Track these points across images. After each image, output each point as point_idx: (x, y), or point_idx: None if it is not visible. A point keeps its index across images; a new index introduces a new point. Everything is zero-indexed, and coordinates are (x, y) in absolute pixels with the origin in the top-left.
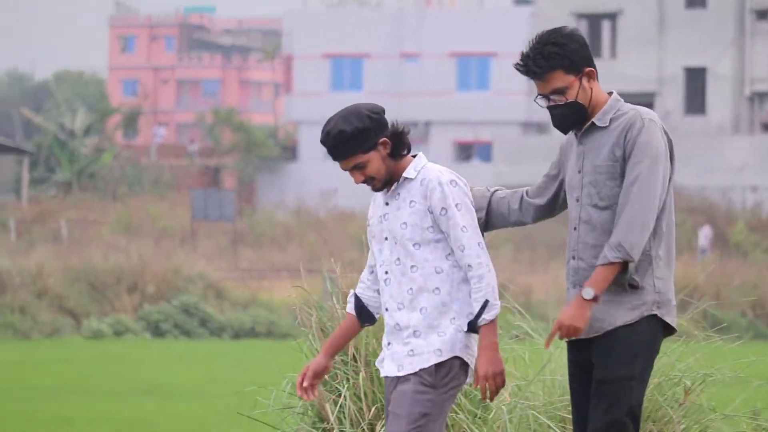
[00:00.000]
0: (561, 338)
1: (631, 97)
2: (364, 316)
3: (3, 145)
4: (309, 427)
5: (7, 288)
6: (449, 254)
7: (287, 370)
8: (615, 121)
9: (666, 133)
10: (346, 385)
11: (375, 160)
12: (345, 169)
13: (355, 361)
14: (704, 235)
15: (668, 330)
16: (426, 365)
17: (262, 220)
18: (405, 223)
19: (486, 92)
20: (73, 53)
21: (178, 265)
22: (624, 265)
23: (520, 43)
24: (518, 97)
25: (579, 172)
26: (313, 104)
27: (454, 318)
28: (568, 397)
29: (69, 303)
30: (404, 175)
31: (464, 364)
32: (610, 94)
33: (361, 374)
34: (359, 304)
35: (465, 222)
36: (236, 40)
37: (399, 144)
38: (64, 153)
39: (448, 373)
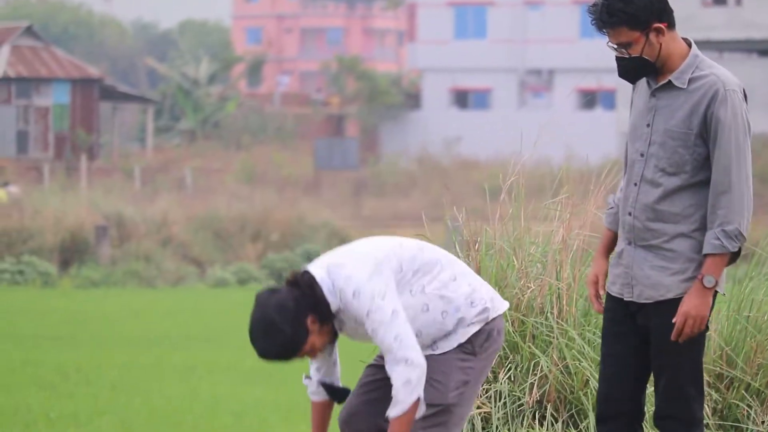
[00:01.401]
0: (690, 330)
1: (756, 44)
2: (338, 393)
3: (128, 94)
4: None
5: (132, 236)
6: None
7: None
8: (694, 83)
9: (746, 99)
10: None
11: (316, 338)
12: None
13: None
14: None
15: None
16: (463, 340)
17: (386, 168)
18: None
19: None
20: (196, 2)
21: (302, 214)
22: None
23: None
24: None
25: (648, 126)
26: (437, 52)
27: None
28: None
29: (193, 251)
30: None
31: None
32: (690, 45)
33: None
34: (330, 387)
35: (373, 326)
36: None
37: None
38: (188, 102)
39: (486, 339)
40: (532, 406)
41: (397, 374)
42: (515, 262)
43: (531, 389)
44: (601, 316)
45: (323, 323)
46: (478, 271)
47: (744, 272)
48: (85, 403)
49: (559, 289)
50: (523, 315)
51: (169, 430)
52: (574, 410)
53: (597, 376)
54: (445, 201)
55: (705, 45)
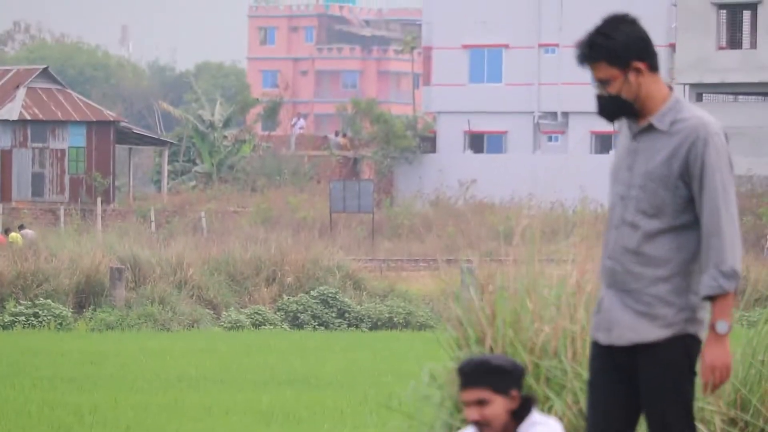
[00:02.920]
0: (719, 380)
1: None
2: None
3: (143, 136)
4: (447, 417)
5: (147, 279)
6: None
7: (424, 361)
8: (675, 125)
9: (727, 139)
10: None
11: (499, 406)
12: (465, 401)
13: (492, 351)
14: None
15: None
16: None
17: (401, 210)
18: None
19: None
20: (213, 45)
21: (317, 256)
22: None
23: (659, 34)
24: None
25: (629, 169)
26: (453, 95)
27: None
28: None
29: (208, 294)
30: None
31: None
32: (671, 89)
33: None
34: None
35: None
36: (376, 31)
37: (526, 406)
38: (204, 144)
39: None
40: None
41: None
42: (529, 305)
43: None
44: None
45: (513, 412)
46: (493, 314)
47: (758, 315)
48: None
49: (573, 332)
50: (538, 358)
51: None
52: None
53: None
54: (460, 243)
55: (720, 87)
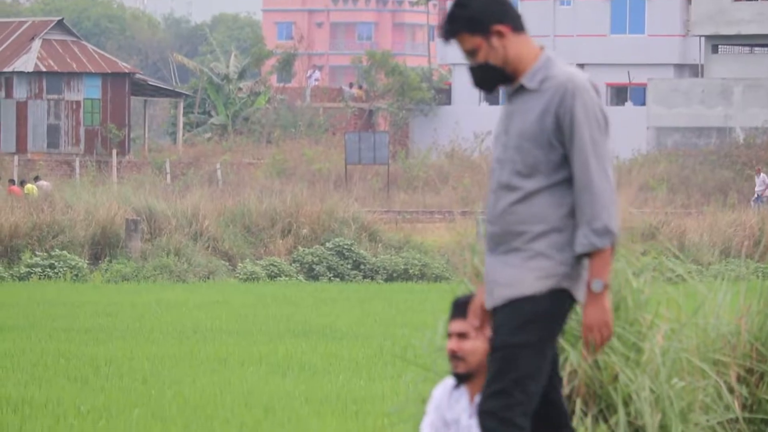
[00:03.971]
0: (600, 339)
1: None
2: None
3: (159, 88)
4: None
5: (163, 230)
6: None
7: (440, 312)
8: (545, 83)
9: (598, 94)
10: None
11: (479, 344)
12: (450, 331)
13: None
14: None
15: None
16: None
17: (416, 162)
18: None
19: (640, 34)
20: None
21: (332, 208)
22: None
23: None
24: (673, 39)
25: (505, 132)
26: None
27: None
28: (722, 339)
29: (224, 245)
30: None
31: None
32: (542, 48)
33: None
34: None
35: None
36: None
37: None
38: (219, 96)
39: None
40: None
41: None
42: None
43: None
44: (630, 311)
45: None
46: None
47: None
48: (117, 396)
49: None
50: None
51: (201, 422)
52: (603, 405)
53: (627, 371)
54: (476, 195)
55: (736, 39)
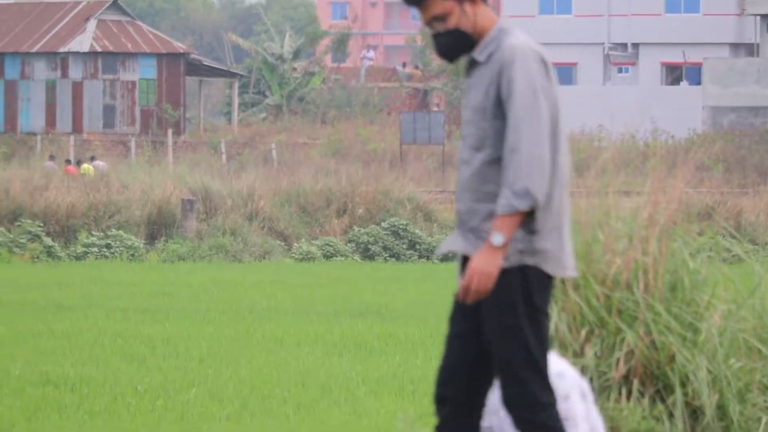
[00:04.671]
0: (476, 287)
1: None
2: None
3: (214, 68)
4: None
5: (219, 210)
6: None
7: None
8: (493, 56)
9: (546, 65)
10: (556, 309)
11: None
12: None
13: (564, 283)
14: None
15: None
16: None
17: None
18: None
19: (695, 14)
20: None
21: (387, 188)
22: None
23: None
24: (728, 18)
25: (464, 107)
26: (523, 26)
27: None
28: None
29: (279, 225)
30: None
31: None
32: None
33: (572, 296)
34: None
35: (567, 414)
36: None
37: None
38: (274, 76)
39: None
40: (619, 381)
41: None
42: (601, 237)
43: (617, 364)
44: (687, 291)
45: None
46: None
47: None
48: (174, 375)
49: (645, 263)
50: (610, 290)
51: (258, 401)
52: (660, 385)
53: (684, 352)
54: None
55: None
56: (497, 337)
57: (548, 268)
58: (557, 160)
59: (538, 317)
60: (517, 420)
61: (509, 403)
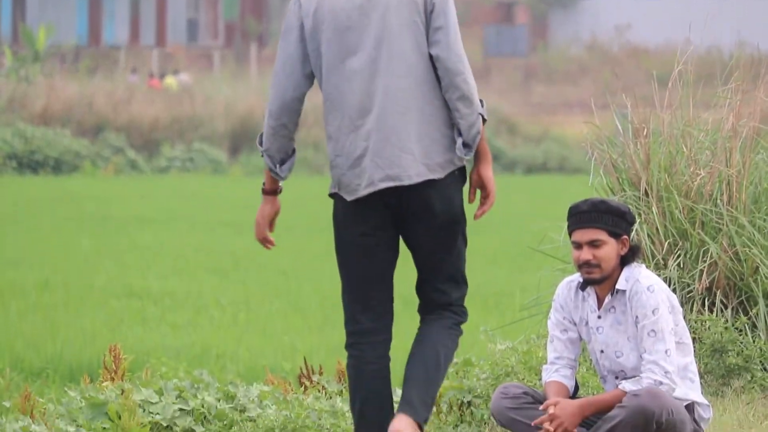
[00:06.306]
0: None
1: None
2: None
3: None
4: None
5: (301, 124)
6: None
7: None
8: None
9: None
10: (638, 221)
11: (611, 249)
12: (579, 240)
13: (648, 195)
14: None
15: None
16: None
17: (555, 55)
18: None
19: None
20: None
21: None
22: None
23: None
24: None
25: None
26: None
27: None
28: None
29: None
30: (617, 286)
31: None
32: None
33: (654, 209)
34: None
35: (654, 327)
36: None
37: (633, 254)
38: None
39: None
40: (702, 293)
41: (651, 375)
42: (684, 150)
43: (700, 276)
44: None
45: (622, 256)
46: (647, 159)
47: None
48: (256, 289)
49: (729, 176)
50: (693, 202)
51: (339, 314)
52: (743, 297)
53: (767, 263)
54: (615, 88)
55: None
56: (453, 242)
57: (344, 194)
58: None
59: (338, 247)
60: (458, 322)
61: (459, 305)
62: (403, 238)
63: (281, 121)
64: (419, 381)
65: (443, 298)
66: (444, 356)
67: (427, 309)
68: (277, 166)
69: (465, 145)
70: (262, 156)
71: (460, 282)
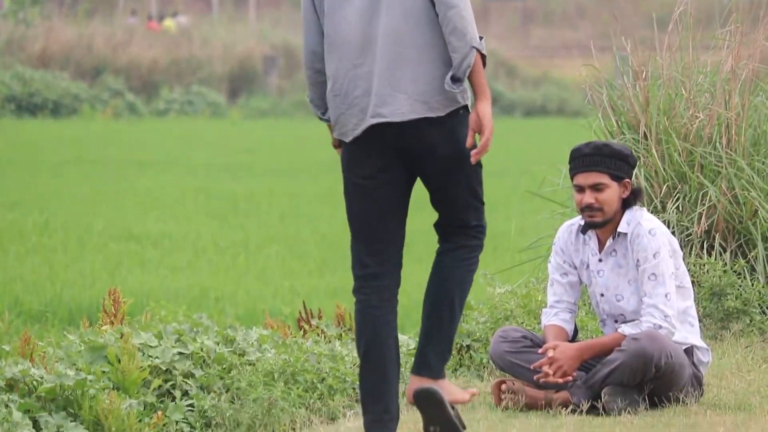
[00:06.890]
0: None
1: None
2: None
3: None
4: None
5: (300, 66)
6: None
7: None
8: None
9: None
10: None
11: (613, 192)
12: (582, 184)
13: (646, 138)
14: None
15: None
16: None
17: None
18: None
19: None
20: None
21: None
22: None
23: None
24: None
25: None
26: None
27: None
28: None
29: None
30: (618, 229)
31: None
32: None
33: (653, 152)
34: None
35: (655, 271)
36: None
37: (635, 197)
38: None
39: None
40: (701, 237)
41: (651, 318)
42: (683, 92)
43: (699, 219)
44: None
45: (624, 200)
46: (646, 102)
47: None
48: (255, 232)
49: (728, 118)
50: (692, 145)
51: (339, 258)
52: (742, 240)
53: (767, 206)
54: (614, 31)
55: None
56: (464, 178)
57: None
58: None
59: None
60: (475, 247)
61: (477, 224)
62: (420, 179)
63: (315, 68)
64: (435, 337)
65: (460, 224)
66: (459, 300)
67: (444, 235)
68: (325, 114)
69: (454, 78)
70: (315, 114)
71: (477, 206)
